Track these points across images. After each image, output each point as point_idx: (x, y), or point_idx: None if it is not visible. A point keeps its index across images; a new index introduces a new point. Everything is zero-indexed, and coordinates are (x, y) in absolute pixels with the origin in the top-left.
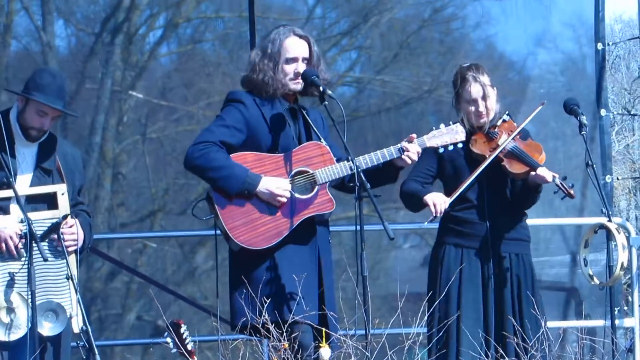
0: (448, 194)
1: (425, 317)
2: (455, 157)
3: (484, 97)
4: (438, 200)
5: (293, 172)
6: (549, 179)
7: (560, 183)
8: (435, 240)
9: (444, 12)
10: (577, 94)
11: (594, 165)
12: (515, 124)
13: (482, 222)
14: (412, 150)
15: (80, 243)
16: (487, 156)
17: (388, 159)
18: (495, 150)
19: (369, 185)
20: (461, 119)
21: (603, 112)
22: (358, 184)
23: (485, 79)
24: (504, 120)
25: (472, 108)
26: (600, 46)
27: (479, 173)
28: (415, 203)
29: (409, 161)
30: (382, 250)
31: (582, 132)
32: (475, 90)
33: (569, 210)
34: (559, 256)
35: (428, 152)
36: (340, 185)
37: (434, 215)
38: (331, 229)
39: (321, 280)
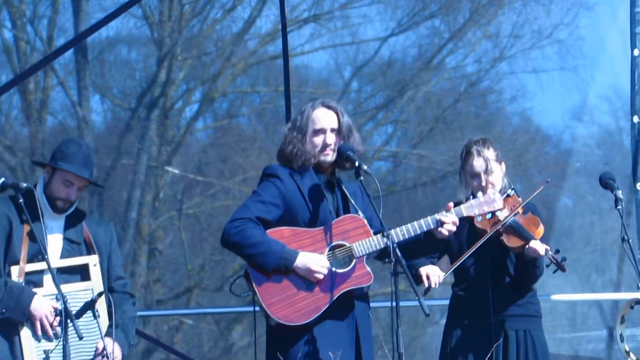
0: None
1: None
2: (460, 232)
3: (487, 172)
4: (432, 272)
5: (331, 246)
6: (541, 251)
7: (552, 256)
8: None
9: (479, 85)
10: (614, 168)
11: (630, 240)
12: (519, 199)
13: (485, 300)
14: (449, 221)
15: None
16: (488, 231)
17: (425, 229)
18: (496, 225)
19: (404, 261)
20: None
21: (639, 186)
22: (394, 259)
23: (490, 153)
24: (508, 195)
25: (475, 182)
26: (636, 119)
27: (476, 248)
28: (412, 275)
29: (446, 232)
30: (419, 326)
31: (618, 207)
32: (478, 164)
33: (605, 285)
34: (596, 331)
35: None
36: (379, 257)
37: (427, 287)
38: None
39: (360, 356)
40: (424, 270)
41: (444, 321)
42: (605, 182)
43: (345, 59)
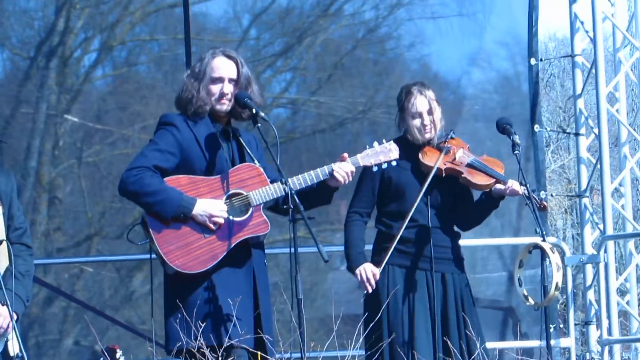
0: (392, 213)
1: (361, 339)
2: (399, 174)
3: (430, 111)
4: (369, 275)
5: (228, 194)
6: (520, 191)
7: (533, 195)
8: (371, 259)
9: (378, 32)
10: (512, 112)
11: (527, 185)
12: (462, 141)
13: (426, 242)
14: (343, 170)
15: (6, 325)
16: (453, 166)
17: (321, 178)
18: (454, 163)
19: (302, 207)
20: (403, 134)
21: (537, 127)
22: (292, 205)
23: (430, 93)
24: (451, 137)
25: (418, 121)
26: (533, 61)
27: (427, 185)
28: (348, 265)
29: (341, 180)
30: (319, 272)
31: (515, 152)
32: (420, 103)
33: (505, 229)
34: (496, 273)
35: (367, 176)
36: (275, 206)
37: (367, 292)
38: (268, 251)
39: (257, 303)
40: (360, 273)
41: (343, 267)
42: (503, 127)
43: (243, 6)
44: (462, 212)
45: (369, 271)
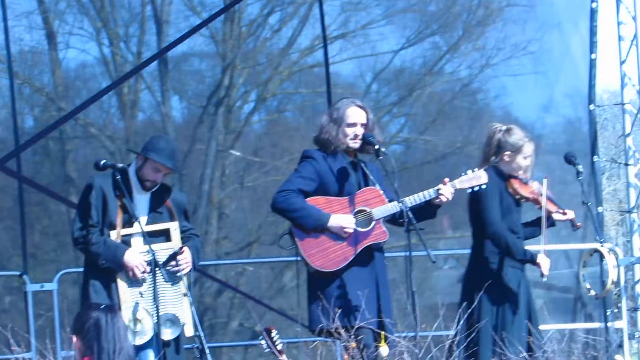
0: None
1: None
2: (504, 196)
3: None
4: (544, 262)
5: (355, 211)
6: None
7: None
8: (483, 261)
9: (470, 86)
10: (576, 148)
11: (589, 203)
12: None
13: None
14: (445, 192)
15: (190, 266)
16: (535, 196)
17: (428, 198)
18: (536, 194)
19: (415, 220)
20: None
21: (595, 158)
22: (407, 219)
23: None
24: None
25: (524, 161)
26: (592, 107)
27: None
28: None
29: (444, 199)
30: (427, 271)
31: (579, 178)
32: (528, 149)
33: (571, 237)
34: (565, 270)
35: (493, 194)
36: (393, 220)
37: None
38: (387, 254)
39: (379, 295)
40: (542, 261)
41: (446, 267)
42: (569, 159)
43: (366, 67)
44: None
45: (542, 259)
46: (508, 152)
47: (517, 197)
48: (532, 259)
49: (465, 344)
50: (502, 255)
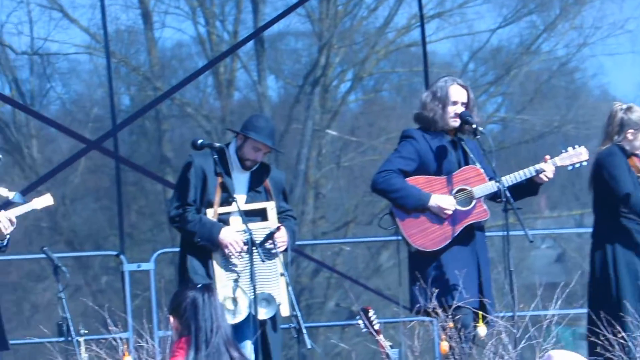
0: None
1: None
2: (631, 173)
3: None
4: None
5: (455, 190)
6: None
7: None
8: (617, 234)
9: (568, 65)
10: None
11: None
12: None
13: None
14: (547, 169)
15: (287, 245)
16: None
17: (528, 176)
18: None
19: (513, 200)
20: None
21: None
22: (504, 199)
23: None
24: None
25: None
26: None
27: None
28: None
29: (545, 178)
30: (525, 250)
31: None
32: None
33: None
34: None
35: (623, 169)
36: (492, 198)
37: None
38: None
39: (480, 273)
40: None
41: (544, 246)
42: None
43: (463, 46)
44: None
45: None
46: (631, 130)
47: (639, 174)
48: None
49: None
50: None
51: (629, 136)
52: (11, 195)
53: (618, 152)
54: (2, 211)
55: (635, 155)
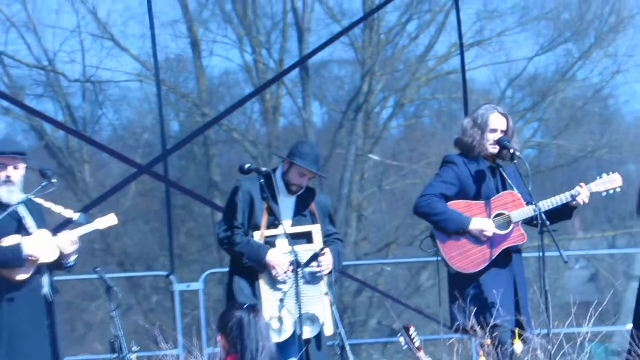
0: None
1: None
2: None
3: None
4: None
5: (494, 214)
6: None
7: None
8: None
9: (602, 92)
10: None
11: None
12: None
13: None
14: (583, 195)
15: (331, 267)
16: None
17: (564, 201)
18: None
19: (548, 222)
20: None
21: None
22: (540, 221)
23: None
24: None
25: None
26: None
27: None
28: None
29: (581, 202)
30: (559, 270)
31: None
32: None
33: None
34: None
35: None
36: (529, 221)
37: None
38: None
39: (516, 293)
40: None
41: (577, 266)
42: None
43: (501, 73)
44: None
45: None
46: None
47: None
48: None
49: None
50: None
51: None
52: (75, 216)
53: None
54: (66, 231)
55: None
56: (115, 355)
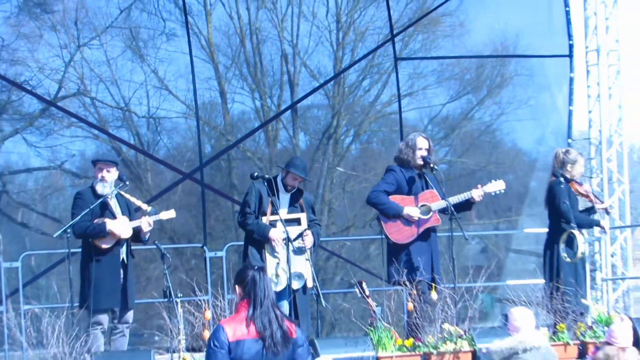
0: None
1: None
2: (570, 193)
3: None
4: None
5: (420, 205)
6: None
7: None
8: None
9: (491, 127)
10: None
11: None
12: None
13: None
14: (478, 193)
15: (312, 242)
16: (587, 193)
17: (467, 198)
18: (587, 191)
19: (455, 212)
20: (561, 175)
21: None
22: (450, 212)
23: None
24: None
25: (580, 171)
26: (570, 140)
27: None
28: (588, 225)
29: (477, 199)
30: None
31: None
32: (582, 162)
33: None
34: None
35: (564, 192)
36: (443, 211)
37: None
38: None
39: (432, 259)
40: (604, 224)
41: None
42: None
43: (424, 114)
44: None
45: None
46: (569, 165)
47: (577, 194)
48: (597, 224)
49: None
50: (575, 227)
51: (568, 169)
52: (148, 208)
53: (562, 181)
54: (145, 217)
55: (574, 181)
56: (166, 299)
